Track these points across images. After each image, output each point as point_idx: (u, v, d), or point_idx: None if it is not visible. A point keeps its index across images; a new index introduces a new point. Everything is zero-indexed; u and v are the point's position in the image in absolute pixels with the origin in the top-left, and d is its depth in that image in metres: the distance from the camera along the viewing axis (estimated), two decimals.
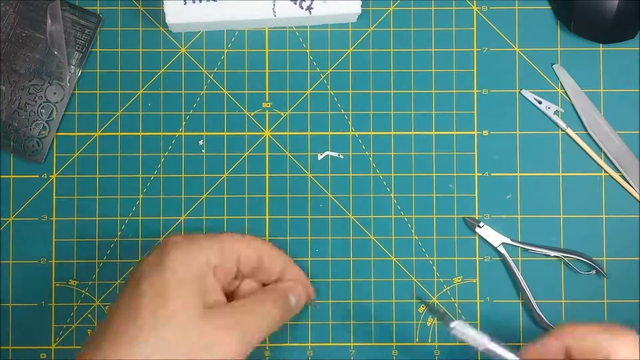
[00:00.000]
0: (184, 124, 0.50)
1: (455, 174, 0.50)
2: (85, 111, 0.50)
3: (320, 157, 0.50)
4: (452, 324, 0.41)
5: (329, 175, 0.50)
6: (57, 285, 0.49)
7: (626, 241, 0.50)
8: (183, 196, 0.50)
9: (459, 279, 0.50)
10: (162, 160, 0.50)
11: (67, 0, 0.50)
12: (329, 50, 0.50)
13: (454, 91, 0.50)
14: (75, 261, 0.49)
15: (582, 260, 0.49)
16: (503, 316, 0.49)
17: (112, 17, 0.50)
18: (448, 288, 0.50)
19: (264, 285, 0.45)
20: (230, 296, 0.43)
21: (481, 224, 0.49)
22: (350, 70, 0.50)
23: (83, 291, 0.49)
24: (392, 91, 0.50)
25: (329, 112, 0.50)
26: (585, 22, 0.49)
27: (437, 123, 0.50)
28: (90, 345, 0.39)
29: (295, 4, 0.48)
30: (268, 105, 0.50)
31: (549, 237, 0.50)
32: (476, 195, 0.50)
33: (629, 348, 0.39)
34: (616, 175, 0.50)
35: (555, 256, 0.49)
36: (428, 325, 0.49)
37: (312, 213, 0.50)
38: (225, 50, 0.50)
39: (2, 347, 0.49)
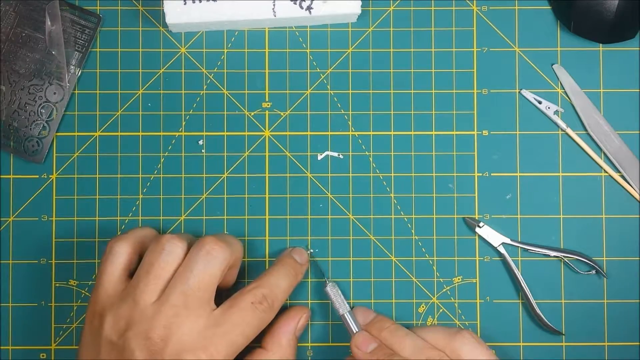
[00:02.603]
0: (184, 124, 0.50)
1: (455, 174, 0.50)
2: (85, 111, 0.50)
3: (320, 157, 0.50)
4: (327, 286, 0.48)
5: (329, 175, 0.50)
6: (57, 285, 0.49)
7: (626, 241, 0.50)
8: (183, 196, 0.50)
9: (459, 279, 0.50)
10: (162, 160, 0.50)
11: (67, 0, 0.50)
12: (329, 50, 0.50)
13: (454, 91, 0.50)
14: (75, 261, 0.49)
15: (582, 260, 0.49)
16: (503, 316, 0.49)
17: (112, 17, 0.50)
18: (448, 288, 0.50)
19: None
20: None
21: (481, 224, 0.49)
22: (350, 70, 0.50)
23: (83, 291, 0.49)
24: (392, 91, 0.50)
25: (329, 112, 0.50)
26: (585, 22, 0.49)
27: (437, 123, 0.50)
28: None
29: (295, 4, 0.48)
30: (268, 105, 0.50)
31: (549, 237, 0.50)
32: (476, 195, 0.50)
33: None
34: (616, 175, 0.50)
35: (555, 256, 0.49)
36: (428, 325, 0.49)
37: (312, 213, 0.50)
38: (225, 50, 0.50)
39: (2, 347, 0.49)
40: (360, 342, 0.46)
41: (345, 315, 0.47)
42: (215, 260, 0.43)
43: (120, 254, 0.44)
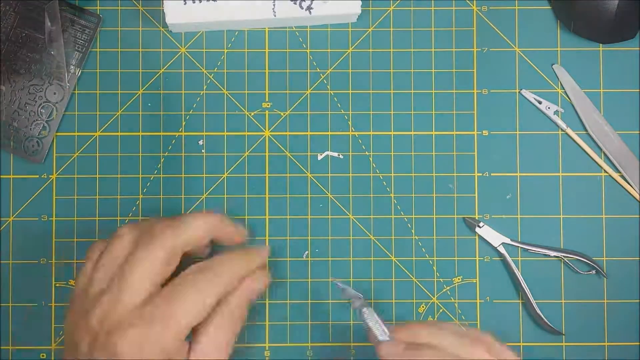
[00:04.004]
0: (184, 124, 0.50)
1: (455, 174, 0.50)
2: (85, 111, 0.50)
3: (320, 157, 0.50)
4: (365, 310, 0.43)
5: (329, 175, 0.50)
6: (57, 285, 0.49)
7: (626, 241, 0.50)
8: (183, 196, 0.50)
9: (459, 279, 0.50)
10: (162, 160, 0.50)
11: (67, 0, 0.50)
12: (329, 50, 0.50)
13: (454, 91, 0.50)
14: (75, 261, 0.49)
15: (582, 260, 0.49)
16: (503, 316, 0.49)
17: (112, 17, 0.50)
18: (448, 288, 0.49)
19: None
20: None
21: (481, 224, 0.49)
22: (350, 70, 0.50)
23: None
24: (392, 91, 0.50)
25: (329, 112, 0.50)
26: (585, 22, 0.49)
27: (437, 123, 0.50)
28: None
29: (295, 4, 0.48)
30: (268, 105, 0.50)
31: (549, 237, 0.50)
32: (476, 195, 0.50)
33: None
34: (616, 175, 0.50)
35: (555, 256, 0.49)
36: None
37: (312, 213, 0.50)
38: (225, 50, 0.50)
39: (2, 347, 0.49)
40: (386, 349, 0.41)
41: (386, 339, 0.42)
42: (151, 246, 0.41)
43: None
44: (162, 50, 0.50)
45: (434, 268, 0.49)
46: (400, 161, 0.50)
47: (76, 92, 0.50)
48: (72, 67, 0.50)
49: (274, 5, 0.48)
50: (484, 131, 0.50)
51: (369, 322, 0.43)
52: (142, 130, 0.50)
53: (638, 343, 0.49)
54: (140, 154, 0.50)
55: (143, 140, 0.50)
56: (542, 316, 0.49)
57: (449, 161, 0.50)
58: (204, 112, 0.50)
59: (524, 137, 0.50)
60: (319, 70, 0.50)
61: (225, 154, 0.50)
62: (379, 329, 0.43)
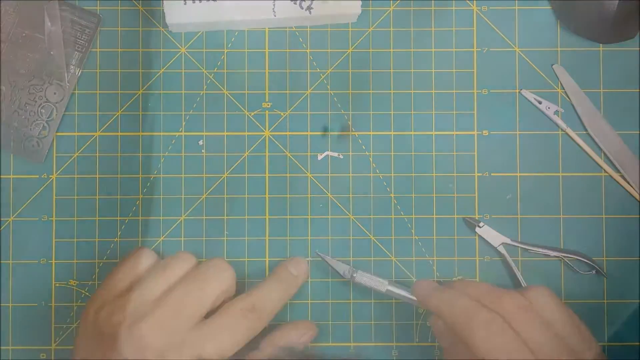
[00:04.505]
0: (184, 124, 0.50)
1: (455, 174, 0.50)
2: (85, 111, 0.50)
3: (320, 157, 0.50)
4: (356, 275, 0.47)
5: (329, 175, 0.50)
6: (57, 285, 0.49)
7: (626, 241, 0.50)
8: (183, 196, 0.50)
9: (459, 279, 0.50)
10: (162, 160, 0.50)
11: (67, 0, 0.50)
12: (329, 50, 0.50)
13: (454, 91, 0.50)
14: (75, 261, 0.49)
15: (582, 260, 0.49)
16: None
17: (112, 17, 0.50)
18: None
19: None
20: None
21: (481, 224, 0.49)
22: (350, 70, 0.50)
23: (83, 291, 0.49)
24: (392, 91, 0.50)
25: (329, 112, 0.50)
26: (585, 22, 0.49)
27: (437, 123, 0.50)
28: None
29: (295, 4, 0.48)
30: (268, 105, 0.50)
31: (549, 237, 0.50)
32: (476, 195, 0.50)
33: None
34: (616, 175, 0.50)
35: (555, 256, 0.49)
36: (428, 325, 0.49)
37: (312, 213, 0.50)
38: (225, 50, 0.50)
39: (2, 347, 0.49)
40: (422, 283, 0.45)
41: (390, 289, 0.47)
42: (223, 274, 0.44)
43: (145, 261, 0.45)
44: (162, 50, 0.50)
45: (434, 268, 0.49)
46: (400, 161, 0.50)
47: (76, 92, 0.50)
48: (72, 67, 0.50)
49: (274, 5, 0.48)
50: (484, 131, 0.50)
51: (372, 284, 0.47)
52: (142, 130, 0.50)
53: (638, 343, 0.49)
54: (141, 154, 0.50)
55: (143, 140, 0.50)
56: None
57: (449, 161, 0.50)
58: (204, 112, 0.50)
59: (524, 137, 0.50)
60: (319, 70, 0.50)
61: (225, 154, 0.50)
62: (402, 290, 0.47)
